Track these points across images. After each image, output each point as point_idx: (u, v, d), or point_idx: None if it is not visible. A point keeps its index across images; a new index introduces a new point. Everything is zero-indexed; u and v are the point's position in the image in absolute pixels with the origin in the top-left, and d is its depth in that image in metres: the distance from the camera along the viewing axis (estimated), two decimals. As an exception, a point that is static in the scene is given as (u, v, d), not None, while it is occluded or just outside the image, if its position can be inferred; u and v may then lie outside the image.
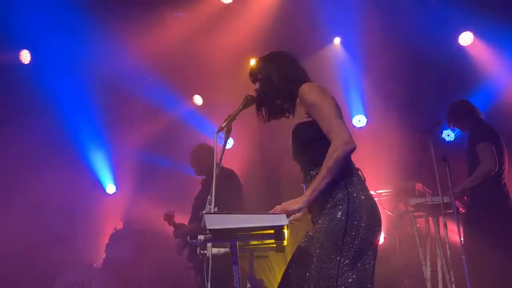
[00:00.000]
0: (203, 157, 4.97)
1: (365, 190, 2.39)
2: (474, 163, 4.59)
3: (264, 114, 2.67)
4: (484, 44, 6.79)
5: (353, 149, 2.32)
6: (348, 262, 2.22)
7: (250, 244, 2.84)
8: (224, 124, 2.58)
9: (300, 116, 2.50)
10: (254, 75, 2.68)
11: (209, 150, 5.00)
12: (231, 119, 2.59)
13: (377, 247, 2.33)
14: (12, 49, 6.88)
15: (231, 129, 2.61)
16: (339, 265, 2.21)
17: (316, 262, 2.26)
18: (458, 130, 5.02)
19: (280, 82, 2.56)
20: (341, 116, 2.42)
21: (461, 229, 4.40)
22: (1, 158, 6.59)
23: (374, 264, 2.28)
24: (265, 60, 2.67)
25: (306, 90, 2.46)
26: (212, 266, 2.79)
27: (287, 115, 2.68)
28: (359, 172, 2.46)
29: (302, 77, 2.60)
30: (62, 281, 5.95)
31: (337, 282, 2.19)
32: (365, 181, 2.45)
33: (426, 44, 6.66)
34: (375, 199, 2.45)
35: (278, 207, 2.34)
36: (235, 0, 6.82)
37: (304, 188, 2.52)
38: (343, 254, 2.22)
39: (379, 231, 2.36)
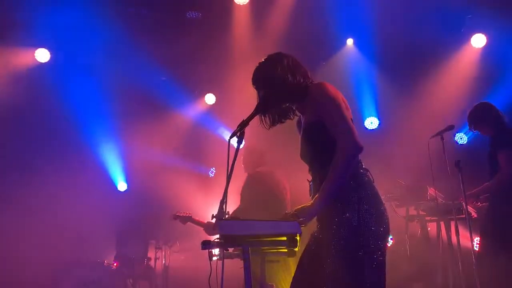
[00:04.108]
0: (253, 161, 4.95)
1: (375, 190, 2.38)
2: (495, 168, 4.48)
3: (270, 118, 2.61)
4: (498, 46, 6.71)
5: (360, 151, 2.31)
6: (360, 262, 2.22)
7: (261, 249, 2.83)
8: (237, 130, 2.56)
9: (310, 115, 2.49)
10: (263, 79, 2.57)
11: (259, 155, 4.99)
12: (244, 124, 2.56)
13: (385, 247, 2.33)
14: (31, 48, 6.91)
15: (244, 134, 2.59)
16: (355, 264, 2.21)
17: (330, 262, 2.26)
18: (477, 132, 4.71)
19: (294, 82, 2.50)
20: (350, 117, 2.39)
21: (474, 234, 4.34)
22: (14, 155, 6.65)
23: (384, 264, 2.28)
24: (274, 62, 2.57)
25: (317, 89, 2.45)
26: None
27: (291, 116, 2.65)
28: (368, 173, 2.45)
29: (308, 76, 2.57)
30: (73, 278, 6.01)
31: (356, 279, 2.20)
32: (373, 181, 2.44)
33: (440, 46, 6.61)
34: (385, 202, 2.46)
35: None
36: (250, 1, 6.80)
37: (312, 186, 2.51)
38: (357, 253, 2.22)
39: (388, 232, 2.35)
